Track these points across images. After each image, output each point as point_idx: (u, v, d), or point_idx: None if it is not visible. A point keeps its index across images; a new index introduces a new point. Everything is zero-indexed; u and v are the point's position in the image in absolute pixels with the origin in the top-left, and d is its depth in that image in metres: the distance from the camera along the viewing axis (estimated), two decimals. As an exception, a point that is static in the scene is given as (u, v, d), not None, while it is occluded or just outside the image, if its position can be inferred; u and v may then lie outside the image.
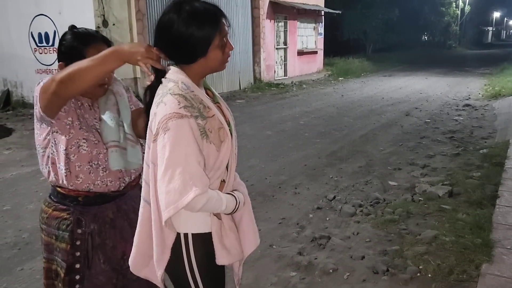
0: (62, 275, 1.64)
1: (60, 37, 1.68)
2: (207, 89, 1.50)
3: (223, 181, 1.43)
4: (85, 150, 1.61)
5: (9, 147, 6.56)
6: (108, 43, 1.66)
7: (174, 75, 1.37)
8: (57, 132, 1.60)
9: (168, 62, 1.42)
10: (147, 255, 1.45)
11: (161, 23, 1.36)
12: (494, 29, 64.44)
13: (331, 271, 2.98)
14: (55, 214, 1.66)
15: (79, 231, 1.65)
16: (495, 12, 60.01)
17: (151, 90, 1.41)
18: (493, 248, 3.05)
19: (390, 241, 3.39)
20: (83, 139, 1.61)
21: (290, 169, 5.36)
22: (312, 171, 5.28)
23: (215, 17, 1.35)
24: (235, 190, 1.49)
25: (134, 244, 1.48)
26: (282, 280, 2.90)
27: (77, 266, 1.65)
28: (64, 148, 1.60)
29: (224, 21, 1.37)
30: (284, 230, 3.67)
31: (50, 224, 1.66)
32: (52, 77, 1.46)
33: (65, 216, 1.65)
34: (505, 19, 71.52)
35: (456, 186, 4.41)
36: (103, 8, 9.38)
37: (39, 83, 1.56)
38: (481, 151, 5.84)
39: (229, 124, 1.45)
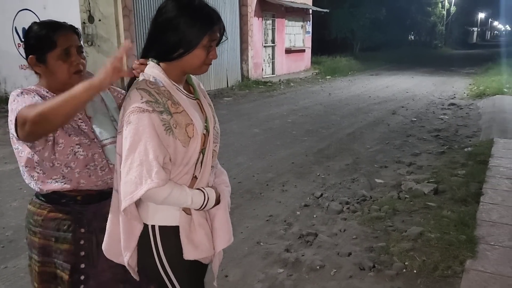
0: (66, 277, 1.60)
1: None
2: (190, 85, 1.52)
3: (195, 177, 1.44)
4: (81, 155, 1.57)
5: (-8, 143, 6.44)
6: (77, 32, 1.64)
7: (149, 70, 1.40)
8: (40, 151, 1.54)
9: (150, 59, 1.43)
10: (120, 242, 1.47)
11: (158, 9, 1.39)
12: (479, 29, 65.37)
13: (318, 267, 2.99)
14: (52, 215, 1.61)
15: (82, 230, 1.62)
16: (479, 13, 60.89)
17: (129, 84, 1.45)
18: (477, 245, 3.10)
19: (376, 238, 3.41)
20: (77, 144, 1.57)
21: (278, 167, 5.37)
22: (300, 169, 5.30)
23: (211, 18, 1.38)
24: (211, 187, 1.50)
25: (106, 231, 1.51)
26: (270, 276, 2.90)
27: (82, 266, 1.62)
28: (51, 164, 1.55)
29: (218, 27, 1.40)
30: (271, 227, 3.68)
31: (48, 226, 1.60)
32: (25, 115, 1.38)
33: (64, 217, 1.61)
34: (490, 20, 72.65)
35: (441, 183, 4.46)
36: (89, 3, 9.27)
37: (13, 95, 1.51)
38: (466, 149, 5.92)
39: (206, 121, 1.46)
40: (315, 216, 3.90)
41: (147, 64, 1.42)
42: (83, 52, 1.65)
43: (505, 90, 11.09)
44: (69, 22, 1.67)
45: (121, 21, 9.38)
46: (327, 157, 5.81)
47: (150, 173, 1.28)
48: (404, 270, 2.91)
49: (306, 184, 4.75)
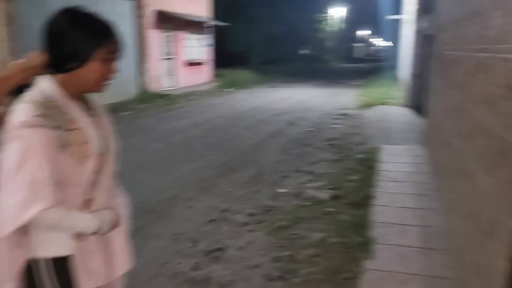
0: None
1: None
2: (88, 102, 1.43)
3: (90, 200, 1.35)
4: None
5: None
6: None
7: (43, 83, 1.30)
8: None
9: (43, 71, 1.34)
10: None
11: (49, 20, 1.30)
12: (363, 45, 71.86)
13: (227, 283, 2.97)
14: None
15: None
16: (363, 30, 67.12)
17: (17, 96, 1.31)
18: (372, 245, 3.34)
19: (282, 247, 3.49)
20: None
21: (182, 183, 5.26)
22: (204, 183, 5.24)
23: (105, 30, 1.32)
24: (108, 209, 1.41)
25: None
26: (178, 298, 2.80)
27: None
28: None
29: (113, 40, 1.34)
30: (177, 245, 3.56)
31: None
32: None
33: None
34: (371, 37, 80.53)
35: (338, 189, 4.74)
36: (-40, 9, 8.25)
37: None
38: (357, 156, 6.40)
39: (104, 140, 1.38)
40: (221, 230, 3.88)
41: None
42: None
43: (386, 101, 12.30)
44: None
45: (3, 30, 8.50)
46: (231, 170, 5.84)
47: (38, 194, 1.17)
48: (310, 276, 3.02)
49: (211, 199, 4.71)
